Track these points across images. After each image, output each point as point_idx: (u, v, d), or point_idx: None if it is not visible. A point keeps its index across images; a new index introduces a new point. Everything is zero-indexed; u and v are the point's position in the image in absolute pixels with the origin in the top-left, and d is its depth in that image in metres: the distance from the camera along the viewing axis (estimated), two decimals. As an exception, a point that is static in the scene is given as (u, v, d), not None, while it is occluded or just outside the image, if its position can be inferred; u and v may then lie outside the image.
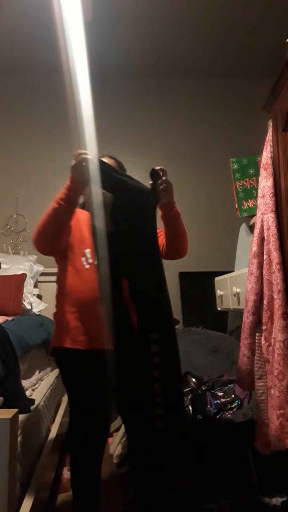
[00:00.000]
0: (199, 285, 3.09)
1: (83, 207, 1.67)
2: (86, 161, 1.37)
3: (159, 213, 1.49)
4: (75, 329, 1.46)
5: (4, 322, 1.88)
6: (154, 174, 1.42)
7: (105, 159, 1.60)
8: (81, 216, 1.60)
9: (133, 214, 1.40)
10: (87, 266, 1.50)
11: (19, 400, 1.47)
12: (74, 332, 1.46)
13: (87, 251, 1.53)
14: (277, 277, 1.31)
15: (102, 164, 1.38)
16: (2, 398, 1.29)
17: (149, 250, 1.41)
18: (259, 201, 1.45)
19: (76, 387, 1.50)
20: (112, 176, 1.39)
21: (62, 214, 1.46)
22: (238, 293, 1.91)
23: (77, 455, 1.51)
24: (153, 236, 1.44)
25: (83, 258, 1.52)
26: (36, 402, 1.70)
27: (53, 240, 1.50)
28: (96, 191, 1.37)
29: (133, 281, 1.38)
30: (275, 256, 1.32)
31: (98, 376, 1.42)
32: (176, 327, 1.67)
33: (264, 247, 1.38)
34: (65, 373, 1.54)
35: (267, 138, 1.48)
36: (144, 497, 1.53)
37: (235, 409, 1.82)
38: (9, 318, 2.05)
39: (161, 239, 1.59)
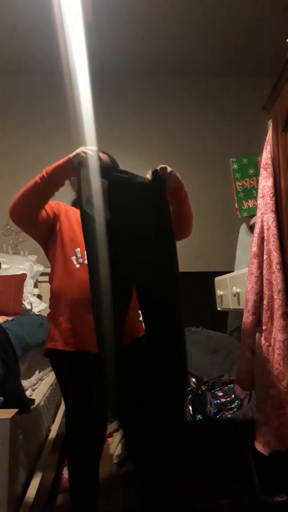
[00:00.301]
0: (199, 285, 3.09)
1: (74, 204, 1.66)
2: (88, 154, 1.35)
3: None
4: (67, 331, 1.44)
5: (4, 322, 1.88)
6: (155, 172, 1.40)
7: (100, 154, 1.59)
8: (72, 214, 1.58)
9: (139, 207, 1.35)
10: (78, 266, 1.48)
11: (19, 400, 1.46)
12: (66, 333, 1.44)
13: (78, 250, 1.50)
14: (277, 277, 1.31)
15: (103, 165, 1.38)
16: (2, 398, 1.29)
17: (163, 247, 1.34)
18: (259, 201, 1.45)
19: (70, 389, 1.49)
20: (112, 175, 1.38)
21: (43, 188, 1.42)
22: (238, 293, 1.91)
23: (73, 457, 1.50)
24: (167, 229, 1.36)
25: (74, 257, 1.50)
26: (36, 402, 1.70)
27: (29, 213, 1.47)
28: (88, 177, 1.33)
29: (143, 285, 1.35)
30: (275, 256, 1.32)
31: (91, 378, 1.41)
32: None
33: (264, 247, 1.38)
34: (59, 375, 1.54)
35: (267, 138, 1.48)
36: (147, 497, 1.53)
37: (235, 409, 1.82)
38: (9, 318, 2.05)
39: None
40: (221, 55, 3.28)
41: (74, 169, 1.38)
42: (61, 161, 1.41)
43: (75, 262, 1.49)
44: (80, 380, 1.44)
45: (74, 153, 1.37)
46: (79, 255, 1.50)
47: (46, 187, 1.43)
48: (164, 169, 1.40)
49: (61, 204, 1.64)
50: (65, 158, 1.40)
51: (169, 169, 1.40)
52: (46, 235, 1.57)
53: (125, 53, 3.20)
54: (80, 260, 1.49)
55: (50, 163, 1.46)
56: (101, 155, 1.61)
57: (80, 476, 1.47)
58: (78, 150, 1.37)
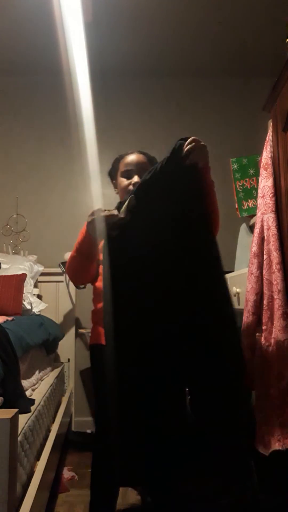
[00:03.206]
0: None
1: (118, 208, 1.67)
2: (96, 220, 1.38)
3: None
4: None
5: (4, 322, 1.88)
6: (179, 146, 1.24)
7: (134, 155, 1.64)
8: None
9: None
10: None
11: (19, 400, 1.47)
12: None
13: None
14: (277, 277, 1.31)
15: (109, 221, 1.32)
16: (2, 398, 1.29)
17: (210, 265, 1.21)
18: (259, 201, 1.45)
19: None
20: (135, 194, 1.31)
21: (80, 260, 1.55)
22: (238, 293, 1.91)
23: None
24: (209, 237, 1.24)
25: None
26: (36, 402, 1.70)
27: (80, 275, 1.65)
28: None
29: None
30: (275, 256, 1.32)
31: None
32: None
33: (264, 247, 1.38)
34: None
35: (267, 138, 1.48)
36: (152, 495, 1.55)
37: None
38: (9, 318, 2.05)
39: None
40: (221, 55, 3.28)
41: (95, 238, 1.42)
42: (81, 234, 1.50)
43: None
44: None
45: (88, 221, 1.42)
46: None
47: (84, 259, 1.55)
48: (195, 141, 1.25)
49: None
50: (84, 231, 1.47)
51: (200, 142, 1.25)
52: None
53: (125, 53, 3.20)
54: None
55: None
56: (137, 155, 1.65)
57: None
58: (89, 220, 1.40)
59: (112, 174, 1.74)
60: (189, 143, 1.26)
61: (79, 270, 1.61)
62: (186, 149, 1.26)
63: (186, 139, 1.28)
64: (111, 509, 1.56)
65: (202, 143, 1.27)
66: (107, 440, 1.29)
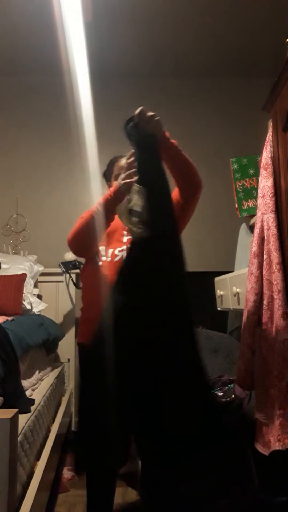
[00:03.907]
0: (199, 285, 3.08)
1: None
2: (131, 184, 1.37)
3: None
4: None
5: (4, 322, 1.88)
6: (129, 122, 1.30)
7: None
8: None
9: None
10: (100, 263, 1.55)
11: (19, 400, 1.47)
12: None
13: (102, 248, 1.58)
14: (277, 277, 1.31)
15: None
16: (2, 398, 1.29)
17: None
18: (259, 201, 1.45)
19: None
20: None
21: (99, 219, 1.49)
22: (238, 293, 1.91)
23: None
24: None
25: (97, 256, 1.57)
26: (36, 402, 1.70)
27: (86, 244, 1.56)
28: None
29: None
30: (275, 256, 1.32)
31: None
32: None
33: (264, 247, 1.38)
34: None
35: (267, 138, 1.48)
36: (149, 496, 1.55)
37: (235, 409, 1.82)
38: (9, 318, 2.05)
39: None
40: (221, 55, 3.28)
41: (123, 196, 1.40)
42: (109, 191, 1.48)
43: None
44: None
45: (123, 182, 1.41)
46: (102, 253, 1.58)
47: (101, 219, 1.49)
48: (142, 113, 1.31)
49: None
50: (113, 189, 1.45)
51: (148, 112, 1.32)
52: None
53: (125, 53, 3.20)
54: (103, 258, 1.57)
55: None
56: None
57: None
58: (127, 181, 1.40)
59: (107, 176, 1.74)
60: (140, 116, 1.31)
61: (86, 238, 1.53)
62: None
63: (130, 119, 1.34)
64: (109, 508, 1.55)
65: (149, 113, 1.32)
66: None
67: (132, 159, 1.41)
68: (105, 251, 1.55)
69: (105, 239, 1.56)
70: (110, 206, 1.47)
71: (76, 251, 1.61)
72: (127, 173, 1.40)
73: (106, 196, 1.48)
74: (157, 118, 1.34)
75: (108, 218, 1.51)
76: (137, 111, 1.31)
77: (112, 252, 1.53)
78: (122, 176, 1.42)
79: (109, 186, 1.73)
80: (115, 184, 1.46)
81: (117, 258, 1.52)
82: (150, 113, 1.34)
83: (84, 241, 1.55)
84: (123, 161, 1.65)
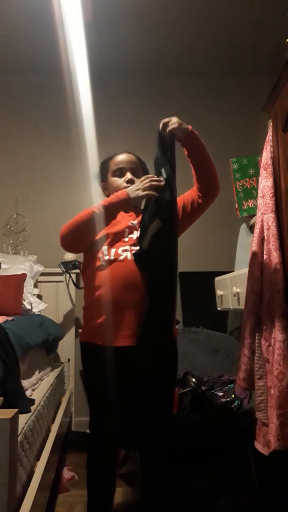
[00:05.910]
0: (199, 285, 3.09)
1: None
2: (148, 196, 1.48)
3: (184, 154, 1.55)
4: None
5: (4, 322, 1.88)
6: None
7: (124, 154, 1.68)
8: None
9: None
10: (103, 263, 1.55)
11: (19, 400, 1.46)
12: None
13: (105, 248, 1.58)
14: (277, 277, 1.31)
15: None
16: (2, 398, 1.29)
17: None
18: (259, 201, 1.45)
19: None
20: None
21: (99, 221, 1.51)
22: (238, 293, 1.91)
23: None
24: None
25: (100, 255, 1.55)
26: (36, 402, 1.70)
27: (76, 242, 1.57)
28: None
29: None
30: (275, 256, 1.32)
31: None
32: (176, 327, 1.67)
33: (264, 247, 1.38)
34: None
35: (267, 138, 1.48)
36: (149, 496, 1.55)
37: (235, 409, 1.82)
38: (9, 318, 2.05)
39: (182, 199, 1.63)
40: (221, 55, 3.28)
41: (130, 206, 1.52)
42: (115, 196, 1.51)
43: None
44: None
45: (139, 194, 1.47)
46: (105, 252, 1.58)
47: (99, 220, 1.52)
48: (166, 124, 1.53)
49: None
50: (124, 195, 1.49)
51: (174, 122, 1.52)
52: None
53: (125, 53, 3.20)
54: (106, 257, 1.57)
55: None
56: (127, 154, 1.70)
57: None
58: (142, 193, 1.47)
59: (101, 176, 1.74)
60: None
61: (79, 236, 1.55)
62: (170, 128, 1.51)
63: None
64: (109, 508, 1.55)
65: (163, 120, 1.54)
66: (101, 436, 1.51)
67: (161, 178, 1.49)
68: (107, 251, 1.54)
69: (108, 238, 1.55)
70: (114, 212, 1.50)
71: (65, 245, 1.59)
72: (146, 184, 1.46)
73: (111, 201, 1.50)
74: (173, 123, 1.52)
75: (108, 222, 1.53)
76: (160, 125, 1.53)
77: (115, 252, 1.53)
78: (139, 186, 1.47)
79: (104, 185, 1.72)
80: (125, 192, 1.49)
81: (121, 258, 1.51)
82: (165, 120, 1.52)
83: (74, 238, 1.55)
84: (121, 157, 1.66)
